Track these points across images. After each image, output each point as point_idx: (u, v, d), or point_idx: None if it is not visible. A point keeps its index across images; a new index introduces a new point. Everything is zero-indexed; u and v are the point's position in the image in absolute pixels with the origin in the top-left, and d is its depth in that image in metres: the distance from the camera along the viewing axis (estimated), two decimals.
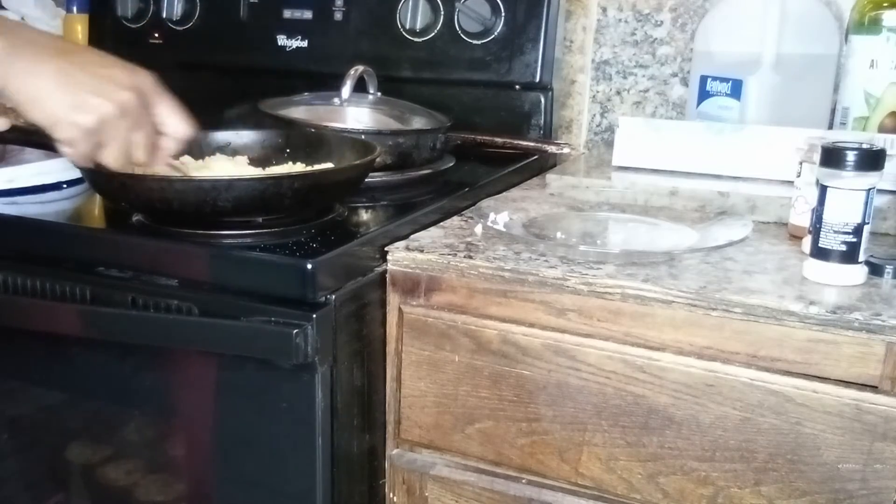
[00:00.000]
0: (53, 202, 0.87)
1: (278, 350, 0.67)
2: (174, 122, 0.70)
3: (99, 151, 0.67)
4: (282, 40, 1.26)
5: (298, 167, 0.86)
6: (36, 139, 0.90)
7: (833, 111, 1.01)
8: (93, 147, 0.66)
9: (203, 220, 0.72)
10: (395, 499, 0.79)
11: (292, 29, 1.26)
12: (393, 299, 0.75)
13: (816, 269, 0.66)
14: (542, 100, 1.16)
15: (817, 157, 0.66)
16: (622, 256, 0.70)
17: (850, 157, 0.63)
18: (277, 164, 0.88)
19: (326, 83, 1.08)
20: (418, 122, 1.07)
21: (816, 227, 0.66)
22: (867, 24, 0.93)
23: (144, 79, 0.68)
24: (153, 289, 0.72)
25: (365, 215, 0.84)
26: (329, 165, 0.85)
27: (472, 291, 0.72)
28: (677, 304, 0.65)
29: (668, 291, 0.65)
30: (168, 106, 0.70)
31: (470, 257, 0.71)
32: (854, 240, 0.64)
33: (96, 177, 0.76)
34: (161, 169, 0.72)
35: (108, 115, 0.65)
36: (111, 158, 0.67)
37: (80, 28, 1.40)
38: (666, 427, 0.66)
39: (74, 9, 1.41)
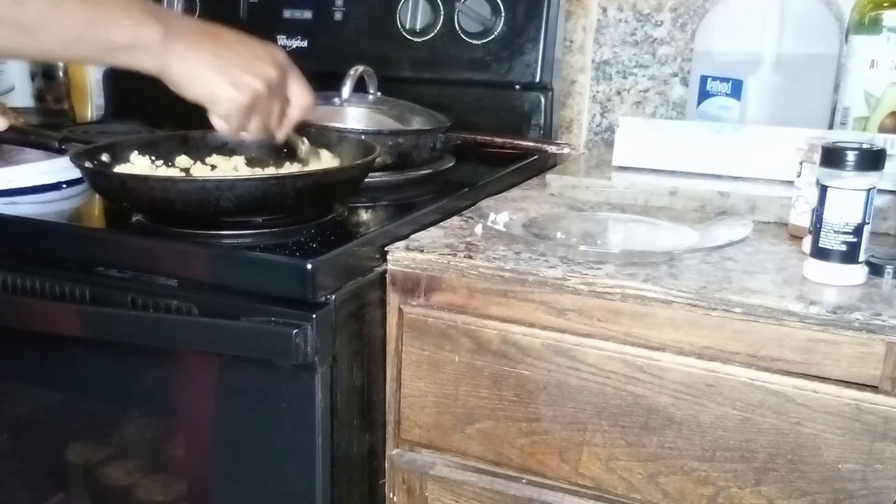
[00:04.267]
0: (53, 202, 0.87)
1: (278, 350, 0.67)
2: (301, 93, 0.78)
3: (246, 124, 0.75)
4: (282, 40, 1.26)
5: (296, 167, 0.86)
6: (34, 139, 0.90)
7: (833, 111, 1.01)
8: (245, 122, 0.74)
9: (204, 220, 0.72)
10: (395, 499, 0.79)
11: (292, 29, 1.26)
12: (393, 299, 0.75)
13: (817, 269, 0.66)
14: (542, 100, 1.16)
15: (817, 157, 0.66)
16: (622, 256, 0.70)
17: (851, 157, 0.63)
18: (276, 164, 0.88)
19: (326, 83, 1.07)
20: (418, 122, 1.07)
21: (817, 227, 0.66)
22: (867, 24, 0.93)
23: (280, 54, 0.76)
24: (153, 289, 0.72)
25: (365, 215, 0.84)
26: (328, 165, 0.84)
27: (472, 291, 0.72)
28: (677, 304, 0.65)
29: (668, 291, 0.65)
30: (298, 78, 0.77)
31: (470, 257, 0.71)
32: (854, 240, 0.64)
33: (96, 177, 0.76)
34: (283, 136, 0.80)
35: (259, 91, 0.72)
36: (255, 128, 0.75)
37: None
38: (666, 427, 0.66)
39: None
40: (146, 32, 0.68)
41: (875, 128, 0.94)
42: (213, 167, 0.86)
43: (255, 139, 0.81)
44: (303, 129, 0.84)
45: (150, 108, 1.08)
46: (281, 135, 0.79)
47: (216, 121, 0.74)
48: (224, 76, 0.71)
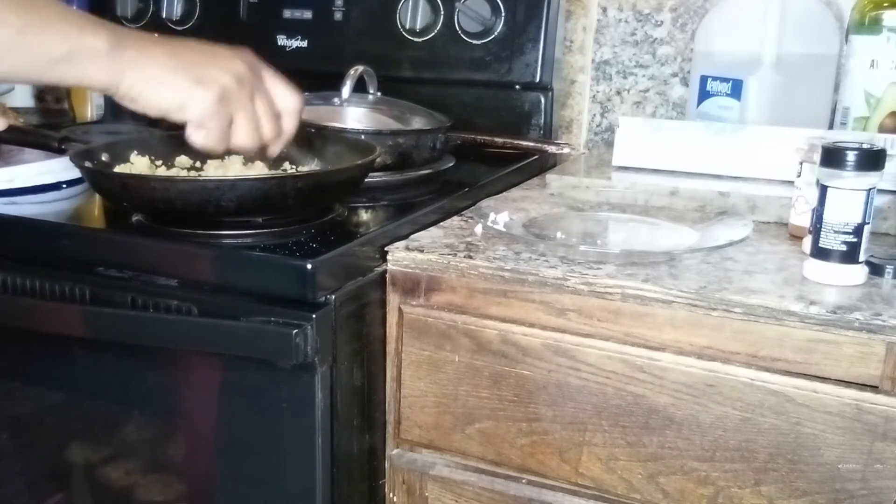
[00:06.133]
0: (53, 202, 0.87)
1: (278, 350, 0.67)
2: (285, 93, 0.71)
3: (230, 130, 0.67)
4: (282, 40, 1.26)
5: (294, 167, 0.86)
6: (34, 139, 0.90)
7: (833, 111, 1.01)
8: (225, 124, 0.66)
9: (204, 220, 0.72)
10: (395, 499, 0.79)
11: (292, 29, 1.26)
12: (393, 299, 0.75)
13: (817, 269, 0.66)
14: (542, 100, 1.16)
15: (817, 157, 0.66)
16: (622, 256, 0.70)
17: (851, 157, 0.63)
18: (274, 164, 0.87)
19: (326, 83, 1.07)
20: (418, 122, 1.07)
21: (817, 227, 0.66)
22: (867, 24, 0.93)
23: (248, 53, 0.69)
24: (153, 289, 0.72)
25: (365, 215, 0.84)
26: (325, 166, 0.84)
27: (472, 291, 0.72)
28: (677, 304, 0.65)
29: (668, 291, 0.65)
30: (274, 75, 0.70)
31: (470, 257, 0.71)
32: (854, 240, 0.64)
33: (96, 177, 0.76)
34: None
35: (228, 83, 0.65)
36: (244, 134, 0.67)
37: None
38: (666, 427, 0.66)
39: (74, 9, 1.41)
40: (91, 40, 0.61)
41: (875, 128, 0.94)
42: (195, 170, 0.86)
43: (250, 152, 0.71)
44: (301, 131, 0.83)
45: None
46: (276, 148, 0.73)
47: (194, 134, 0.66)
48: (186, 75, 0.64)
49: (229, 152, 0.71)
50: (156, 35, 0.67)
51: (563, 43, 1.21)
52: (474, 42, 1.15)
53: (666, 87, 1.20)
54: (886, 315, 0.60)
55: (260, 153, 0.72)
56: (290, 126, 0.72)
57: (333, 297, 0.69)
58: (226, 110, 0.66)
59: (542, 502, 0.73)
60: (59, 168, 0.88)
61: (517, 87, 1.16)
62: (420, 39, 1.18)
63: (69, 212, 0.88)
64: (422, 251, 0.73)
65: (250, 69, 0.68)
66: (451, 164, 1.00)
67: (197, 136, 0.67)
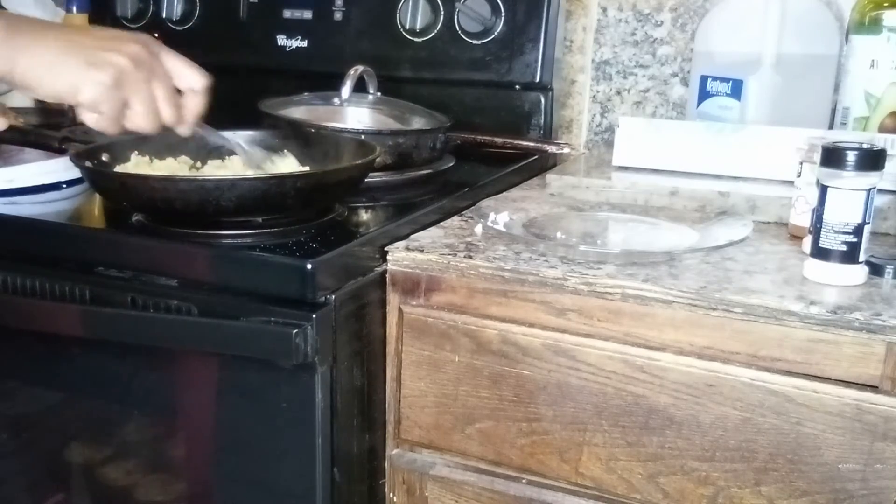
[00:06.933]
0: (53, 202, 0.87)
1: (278, 350, 0.67)
2: (187, 73, 0.69)
3: (126, 113, 0.66)
4: (282, 40, 1.26)
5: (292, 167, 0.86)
6: (34, 139, 0.90)
7: (833, 111, 1.01)
8: (118, 107, 0.65)
9: (204, 220, 0.72)
10: (395, 499, 0.79)
11: (292, 29, 1.26)
12: (393, 299, 0.75)
13: (817, 269, 0.66)
14: (542, 100, 1.16)
15: (817, 157, 0.66)
16: (622, 256, 0.70)
17: (851, 157, 0.63)
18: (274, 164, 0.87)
19: (326, 83, 1.08)
20: (418, 122, 1.07)
21: (817, 227, 0.66)
22: (867, 24, 0.93)
23: (145, 35, 0.68)
24: (153, 289, 0.72)
25: (365, 215, 0.84)
26: (325, 166, 0.84)
27: (472, 291, 0.72)
28: (677, 304, 0.65)
29: (668, 291, 0.65)
30: (175, 57, 0.69)
31: (470, 257, 0.71)
32: (854, 240, 0.64)
33: (96, 177, 0.76)
34: (185, 130, 0.71)
35: (123, 65, 0.64)
36: (140, 118, 0.66)
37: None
38: (666, 427, 0.66)
39: (74, 9, 1.41)
40: None
41: (875, 128, 0.94)
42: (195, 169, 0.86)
43: (152, 133, 0.68)
44: (299, 130, 0.82)
45: None
46: (184, 129, 0.71)
47: (88, 117, 0.65)
48: (78, 59, 0.62)
49: (127, 133, 0.69)
50: (56, 22, 0.66)
51: (563, 43, 1.21)
52: (474, 42, 1.15)
53: (666, 87, 1.20)
54: (886, 315, 0.60)
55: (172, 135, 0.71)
56: (194, 105, 0.70)
57: (333, 297, 0.69)
58: (120, 94, 0.65)
59: (542, 502, 0.73)
60: (59, 168, 0.88)
61: (517, 87, 1.16)
62: (420, 39, 1.18)
63: (69, 212, 0.88)
64: (422, 251, 0.73)
65: (147, 50, 0.66)
66: (451, 164, 1.00)
67: (89, 119, 0.66)
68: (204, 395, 0.75)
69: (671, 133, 0.95)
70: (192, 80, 0.69)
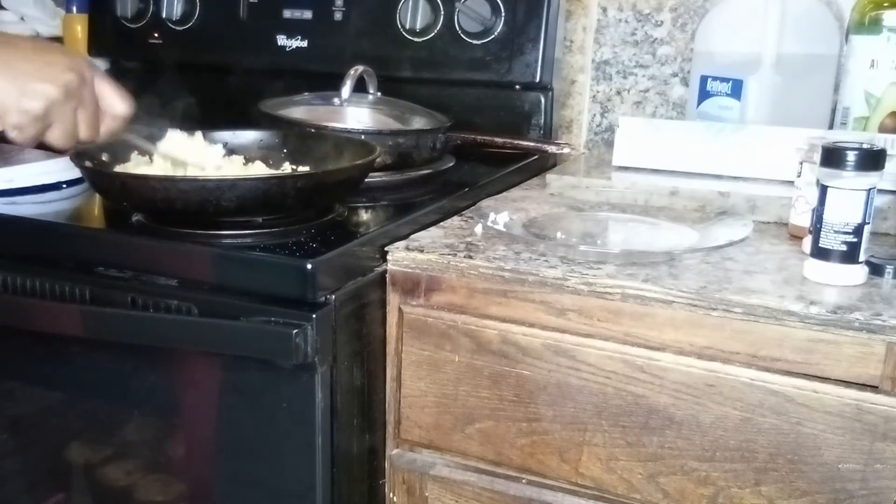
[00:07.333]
0: (53, 202, 0.87)
1: (278, 350, 0.67)
2: (113, 101, 0.73)
3: (46, 132, 0.70)
4: (282, 40, 1.26)
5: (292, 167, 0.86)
6: None
7: (833, 111, 1.01)
8: (41, 131, 0.69)
9: (204, 220, 0.72)
10: (395, 499, 0.79)
11: (292, 29, 1.26)
12: (393, 299, 0.75)
13: (817, 269, 0.66)
14: (542, 100, 1.16)
15: (817, 157, 0.66)
16: (622, 256, 0.70)
17: (851, 157, 0.63)
18: (275, 164, 0.87)
19: (326, 83, 1.08)
20: (418, 122, 1.07)
21: (817, 227, 0.66)
22: (867, 24, 0.93)
23: (81, 60, 0.71)
24: (153, 289, 0.72)
25: (365, 215, 0.84)
26: (325, 166, 0.84)
27: (472, 291, 0.72)
28: (677, 304, 0.65)
29: (668, 291, 0.65)
30: (107, 84, 0.73)
31: (470, 257, 0.71)
32: (854, 240, 0.64)
33: (97, 177, 0.76)
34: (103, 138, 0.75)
35: (54, 97, 0.67)
36: (58, 140, 0.70)
37: (80, 28, 1.40)
38: (666, 427, 0.66)
39: (74, 9, 1.41)
40: None
41: (875, 128, 0.94)
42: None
43: (63, 146, 0.73)
44: (298, 130, 0.82)
45: (149, 107, 1.08)
46: (96, 140, 0.75)
47: (9, 132, 0.69)
48: (12, 84, 0.66)
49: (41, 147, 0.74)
50: (3, 35, 0.69)
51: (563, 43, 1.21)
52: (474, 42, 1.15)
53: (666, 87, 1.20)
54: (886, 315, 0.60)
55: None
56: (109, 127, 0.75)
57: (333, 297, 0.69)
58: (46, 121, 0.69)
59: (542, 502, 0.73)
60: (59, 168, 0.88)
61: (517, 87, 1.16)
62: (420, 39, 1.18)
63: (69, 212, 0.88)
64: (422, 251, 0.73)
65: (80, 79, 0.70)
66: (451, 164, 1.00)
67: (10, 134, 0.69)
68: (204, 395, 0.75)
69: (671, 133, 0.95)
70: (117, 107, 0.74)
